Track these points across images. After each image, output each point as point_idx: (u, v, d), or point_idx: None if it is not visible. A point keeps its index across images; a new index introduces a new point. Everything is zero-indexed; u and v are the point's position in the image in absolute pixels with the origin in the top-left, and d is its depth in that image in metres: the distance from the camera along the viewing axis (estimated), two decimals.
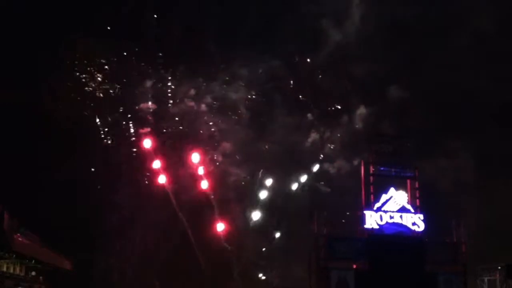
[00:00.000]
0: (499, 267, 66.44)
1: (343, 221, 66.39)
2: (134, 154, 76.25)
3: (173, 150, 75.78)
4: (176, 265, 73.59)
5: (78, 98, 74.59)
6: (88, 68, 74.91)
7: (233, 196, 75.97)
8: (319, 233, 61.99)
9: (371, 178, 63.70)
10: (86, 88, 74.94)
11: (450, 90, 79.03)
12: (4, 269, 52.46)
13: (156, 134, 75.36)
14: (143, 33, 76.16)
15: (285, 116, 78.04)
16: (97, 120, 75.02)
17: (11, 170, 64.37)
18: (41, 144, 69.82)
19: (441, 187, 73.98)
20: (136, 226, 73.43)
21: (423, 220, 63.38)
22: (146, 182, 76.00)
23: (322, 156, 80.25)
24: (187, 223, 74.11)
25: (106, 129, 75.75)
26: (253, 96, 79.30)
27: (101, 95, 75.32)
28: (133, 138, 76.32)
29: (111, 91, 75.76)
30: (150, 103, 76.05)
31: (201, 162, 75.65)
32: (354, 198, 65.38)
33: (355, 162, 73.45)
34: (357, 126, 79.58)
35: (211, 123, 77.92)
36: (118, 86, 75.95)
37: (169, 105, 77.28)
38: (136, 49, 75.86)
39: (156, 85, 76.62)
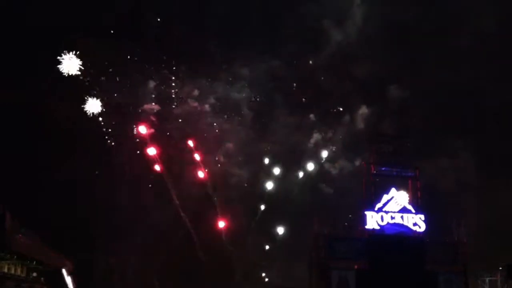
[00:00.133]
0: (500, 268, 66.53)
1: (346, 223, 66.29)
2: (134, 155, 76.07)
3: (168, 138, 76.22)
4: (176, 265, 73.52)
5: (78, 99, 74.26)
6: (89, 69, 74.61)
7: (236, 196, 76.14)
8: (320, 233, 61.99)
9: (372, 178, 63.70)
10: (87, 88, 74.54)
11: (450, 90, 79.06)
12: (5, 270, 52.34)
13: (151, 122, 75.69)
14: (144, 33, 76.03)
15: (287, 116, 78.16)
16: (98, 119, 74.77)
17: (11, 170, 64.24)
18: (41, 144, 69.70)
19: (442, 187, 74.09)
20: (136, 226, 73.28)
21: (424, 221, 63.43)
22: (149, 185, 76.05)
23: (322, 156, 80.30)
24: (189, 222, 74.18)
25: (107, 129, 75.51)
26: (256, 98, 79.37)
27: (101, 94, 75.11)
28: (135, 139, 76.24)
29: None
30: (153, 103, 76.18)
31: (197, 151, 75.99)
32: (355, 198, 65.45)
33: (357, 163, 73.63)
34: (358, 126, 79.63)
35: (215, 124, 78.09)
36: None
37: (171, 104, 77.30)
38: (138, 50, 75.62)
39: (159, 86, 76.59)
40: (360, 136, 76.34)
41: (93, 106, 73.37)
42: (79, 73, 73.07)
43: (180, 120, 77.22)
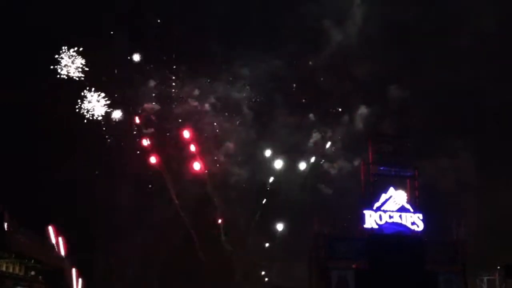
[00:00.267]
0: (498, 267, 66.56)
1: (345, 223, 66.26)
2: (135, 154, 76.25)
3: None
4: (176, 265, 73.59)
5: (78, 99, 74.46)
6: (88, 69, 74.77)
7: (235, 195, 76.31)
8: (320, 233, 61.99)
9: (371, 177, 63.70)
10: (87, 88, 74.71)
11: (450, 90, 79.02)
12: (4, 268, 52.37)
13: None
14: (144, 33, 76.20)
15: (287, 116, 78.17)
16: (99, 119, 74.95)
17: (11, 170, 64.35)
18: (41, 144, 69.82)
19: (441, 187, 74.10)
20: (136, 226, 73.35)
21: (423, 220, 63.34)
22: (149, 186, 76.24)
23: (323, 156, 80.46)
24: (189, 222, 74.36)
25: (107, 129, 75.68)
26: (256, 99, 79.48)
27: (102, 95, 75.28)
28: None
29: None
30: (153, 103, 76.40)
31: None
32: (354, 198, 65.45)
33: (356, 163, 73.63)
34: (357, 126, 79.64)
35: (215, 124, 78.26)
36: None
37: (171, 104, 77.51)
38: (138, 49, 75.81)
39: (159, 85, 76.75)
40: (359, 136, 76.38)
41: (93, 106, 73.69)
42: (80, 75, 73.46)
43: (180, 120, 77.47)
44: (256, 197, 77.65)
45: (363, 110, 79.35)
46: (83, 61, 74.06)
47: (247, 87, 78.55)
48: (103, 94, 74.68)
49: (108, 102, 75.06)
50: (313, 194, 76.37)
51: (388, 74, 79.20)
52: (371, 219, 62.28)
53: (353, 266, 62.33)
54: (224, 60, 77.53)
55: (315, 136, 79.68)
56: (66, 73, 73.62)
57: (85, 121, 74.32)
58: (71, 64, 73.67)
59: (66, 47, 73.25)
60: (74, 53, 73.73)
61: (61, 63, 73.47)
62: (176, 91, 77.67)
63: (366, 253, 62.03)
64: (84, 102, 74.34)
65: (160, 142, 76.29)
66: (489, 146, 78.28)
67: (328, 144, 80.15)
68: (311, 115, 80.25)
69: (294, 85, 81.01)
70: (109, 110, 75.05)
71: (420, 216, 63.46)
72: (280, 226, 77.58)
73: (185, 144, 76.24)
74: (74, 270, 64.03)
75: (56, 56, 73.28)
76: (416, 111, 78.46)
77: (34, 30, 69.42)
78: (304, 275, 64.31)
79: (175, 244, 74.24)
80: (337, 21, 78.72)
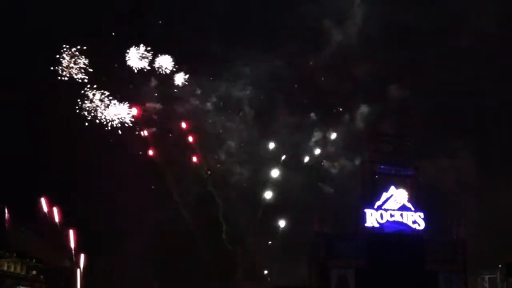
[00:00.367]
0: (500, 266, 66.59)
1: (345, 222, 66.23)
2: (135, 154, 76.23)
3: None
4: (176, 265, 73.60)
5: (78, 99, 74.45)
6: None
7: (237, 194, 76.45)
8: (320, 232, 61.97)
9: (372, 176, 63.72)
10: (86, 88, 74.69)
11: (450, 90, 79.09)
12: (5, 268, 52.49)
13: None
14: (144, 33, 76.26)
15: (287, 116, 78.28)
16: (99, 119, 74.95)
17: (11, 170, 64.36)
18: (41, 144, 69.83)
19: (442, 186, 74.12)
20: (136, 226, 73.35)
21: (424, 219, 63.32)
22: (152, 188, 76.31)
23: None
24: (191, 221, 74.45)
25: (108, 129, 75.69)
26: (257, 97, 79.62)
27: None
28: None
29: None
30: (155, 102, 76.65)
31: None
32: (354, 197, 65.43)
33: (357, 162, 73.67)
34: (358, 126, 79.70)
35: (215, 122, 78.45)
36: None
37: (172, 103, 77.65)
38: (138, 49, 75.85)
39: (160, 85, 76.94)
40: (360, 135, 76.40)
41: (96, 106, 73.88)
42: (81, 76, 73.51)
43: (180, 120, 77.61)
44: (257, 196, 77.74)
45: (363, 109, 79.53)
46: (86, 61, 74.08)
47: (247, 85, 78.55)
48: (107, 93, 74.66)
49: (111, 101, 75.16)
50: (314, 193, 76.42)
51: (388, 74, 79.37)
52: (372, 218, 62.27)
53: (354, 265, 62.23)
54: (224, 59, 77.54)
55: (316, 135, 79.74)
56: (67, 74, 73.56)
57: (86, 123, 74.24)
58: (73, 65, 73.68)
59: (67, 46, 73.15)
60: (77, 53, 73.72)
61: (62, 63, 73.44)
62: (176, 90, 77.62)
63: (366, 252, 61.94)
64: (86, 102, 74.30)
65: (161, 142, 76.28)
66: (489, 146, 78.44)
67: (334, 135, 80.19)
68: (312, 115, 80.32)
69: (296, 86, 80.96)
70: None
71: (421, 214, 63.43)
72: (282, 223, 77.55)
73: (182, 135, 76.41)
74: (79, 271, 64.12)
75: (58, 56, 73.18)
76: (416, 111, 78.61)
77: (34, 30, 69.47)
78: (304, 274, 64.31)
79: (175, 244, 74.08)
80: (337, 21, 78.89)
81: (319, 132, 79.79)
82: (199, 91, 77.31)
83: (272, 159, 79.06)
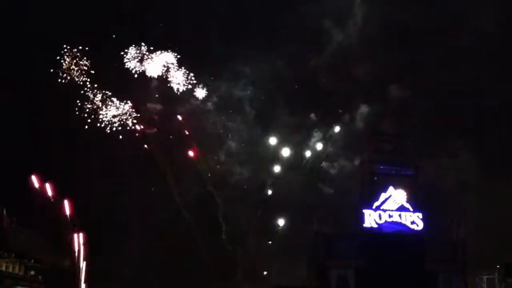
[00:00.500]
0: (498, 266, 66.52)
1: (344, 222, 66.23)
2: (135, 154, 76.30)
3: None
4: (176, 265, 73.62)
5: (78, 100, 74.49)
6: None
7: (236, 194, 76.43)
8: (319, 232, 62.00)
9: (371, 176, 63.70)
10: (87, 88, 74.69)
11: (450, 90, 79.00)
12: (3, 268, 52.53)
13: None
14: (144, 33, 76.30)
15: (288, 116, 78.32)
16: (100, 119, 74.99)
17: (11, 170, 64.42)
18: (41, 144, 69.89)
19: (441, 186, 73.91)
20: (136, 226, 73.42)
21: (422, 219, 63.36)
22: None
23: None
24: (191, 220, 74.56)
25: (108, 130, 75.74)
26: (257, 96, 79.69)
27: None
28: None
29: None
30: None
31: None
32: (354, 197, 65.46)
33: (356, 162, 73.58)
34: (358, 125, 79.63)
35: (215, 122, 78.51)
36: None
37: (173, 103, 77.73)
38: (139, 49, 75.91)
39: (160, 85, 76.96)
40: (360, 135, 76.29)
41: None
42: (84, 78, 73.58)
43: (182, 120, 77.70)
44: (257, 195, 77.75)
45: (363, 109, 79.43)
46: (87, 62, 74.10)
47: (247, 85, 78.61)
48: (108, 93, 74.69)
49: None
50: (313, 193, 76.38)
51: (388, 74, 79.21)
52: (370, 218, 62.35)
53: (354, 265, 62.22)
54: (224, 59, 77.54)
55: (317, 135, 79.72)
56: (68, 75, 73.58)
57: (86, 127, 74.23)
58: (74, 67, 73.70)
59: (68, 47, 73.21)
60: (78, 54, 73.76)
61: (63, 65, 73.46)
62: (176, 90, 77.68)
63: (366, 252, 62.02)
64: (86, 103, 74.34)
65: (161, 142, 76.37)
66: (489, 146, 78.31)
67: (337, 129, 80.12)
68: (312, 115, 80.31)
69: (296, 86, 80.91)
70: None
71: (420, 215, 63.46)
72: (281, 221, 77.56)
73: (178, 128, 76.53)
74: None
75: (58, 57, 73.26)
76: (416, 111, 78.46)
77: (34, 30, 69.55)
78: (304, 274, 64.43)
79: (175, 244, 74.10)
80: (337, 21, 78.75)
81: (319, 133, 79.75)
82: (204, 92, 77.27)
83: (274, 156, 78.96)
